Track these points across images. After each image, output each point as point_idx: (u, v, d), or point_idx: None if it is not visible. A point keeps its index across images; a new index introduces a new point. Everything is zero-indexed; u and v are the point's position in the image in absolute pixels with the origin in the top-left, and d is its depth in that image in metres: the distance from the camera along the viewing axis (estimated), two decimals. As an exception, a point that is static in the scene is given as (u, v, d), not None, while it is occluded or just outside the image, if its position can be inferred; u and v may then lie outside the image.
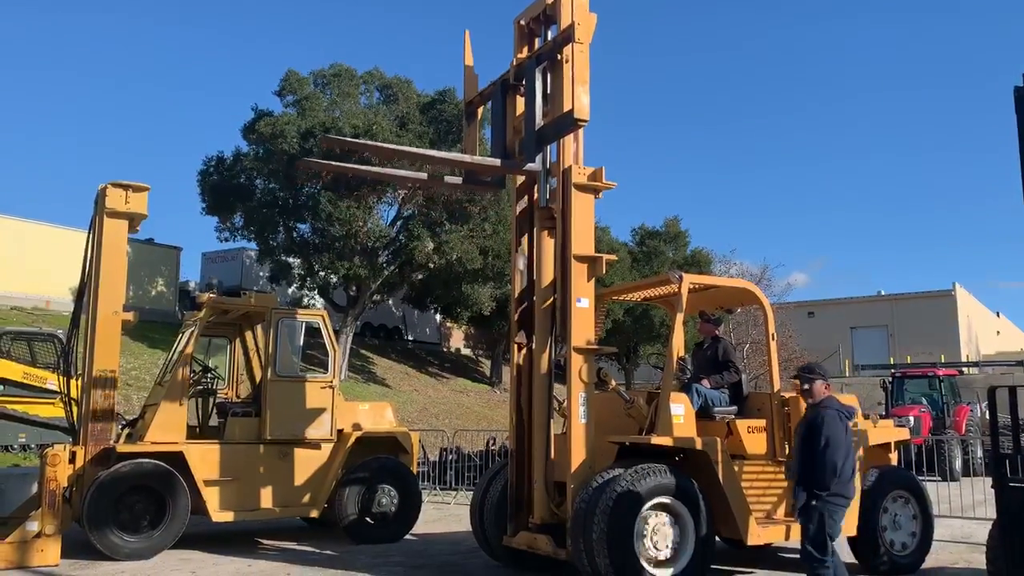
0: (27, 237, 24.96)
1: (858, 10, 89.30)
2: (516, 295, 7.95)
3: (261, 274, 30.45)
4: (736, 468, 7.24)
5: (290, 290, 29.32)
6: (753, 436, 7.36)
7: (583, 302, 7.27)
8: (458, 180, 8.34)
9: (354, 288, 26.11)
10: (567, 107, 6.95)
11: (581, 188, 7.33)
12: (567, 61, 7.03)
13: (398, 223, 25.97)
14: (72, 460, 8.49)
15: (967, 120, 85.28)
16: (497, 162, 7.48)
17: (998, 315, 54.86)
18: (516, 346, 7.84)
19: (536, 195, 7.86)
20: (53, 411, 12.40)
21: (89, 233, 9.19)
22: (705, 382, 7.87)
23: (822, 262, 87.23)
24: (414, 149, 6.69)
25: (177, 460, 8.76)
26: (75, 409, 9.19)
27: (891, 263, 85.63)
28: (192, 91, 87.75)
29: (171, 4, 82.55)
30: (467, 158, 7.77)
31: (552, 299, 7.60)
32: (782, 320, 27.48)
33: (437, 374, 33.40)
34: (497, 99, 7.83)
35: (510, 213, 9.44)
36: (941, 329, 43.05)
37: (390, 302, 33.75)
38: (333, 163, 9.93)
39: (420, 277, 27.21)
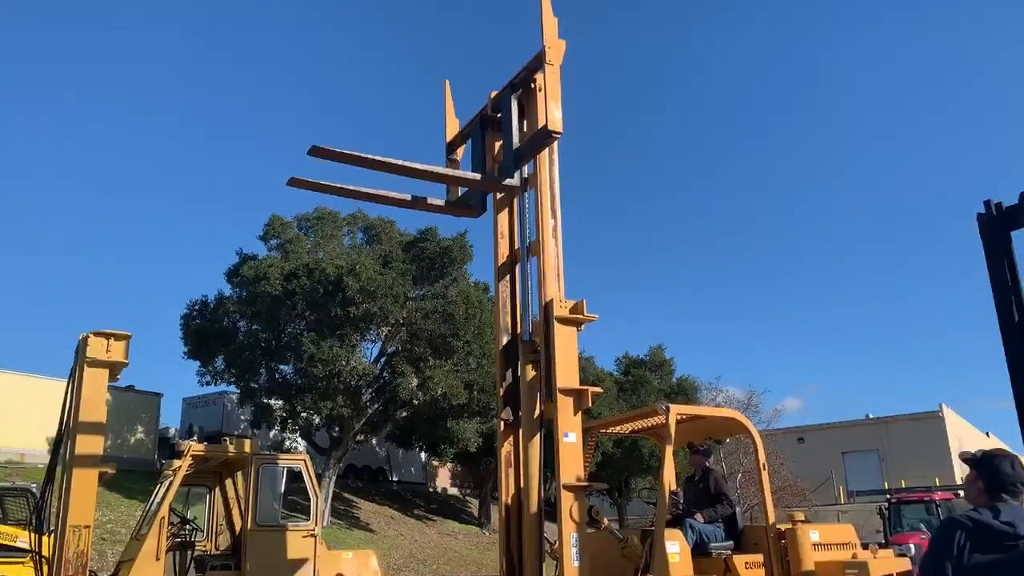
0: (2, 388, 24.58)
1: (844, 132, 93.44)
2: (502, 429, 7.83)
3: (243, 417, 29.98)
4: (737, 607, 6.97)
5: (272, 433, 28.81)
6: (751, 572, 7.11)
7: (570, 437, 7.16)
8: (440, 202, 8.45)
9: (337, 428, 25.72)
10: (541, 124, 7.23)
11: (563, 321, 7.37)
12: (540, 89, 7.43)
13: (382, 360, 25.90)
14: (40, 624, 8.05)
15: (939, 251, 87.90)
16: (478, 176, 7.80)
17: (988, 435, 54.57)
18: (502, 423, 7.65)
19: (520, 327, 7.91)
20: (23, 572, 11.82)
21: (69, 382, 9.05)
22: (699, 516, 7.68)
23: (815, 388, 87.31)
24: (398, 161, 7.02)
25: (151, 620, 8.33)
26: (45, 568, 8.76)
27: (876, 387, 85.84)
28: (176, 241, 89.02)
29: (160, 149, 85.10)
30: (448, 171, 7.97)
31: (539, 434, 7.49)
32: (772, 447, 27.17)
33: (423, 516, 32.40)
34: (476, 133, 8.22)
35: (493, 347, 9.45)
36: (932, 451, 42.70)
37: (374, 442, 33.18)
38: (322, 183, 10.10)
39: (404, 414, 26.88)
